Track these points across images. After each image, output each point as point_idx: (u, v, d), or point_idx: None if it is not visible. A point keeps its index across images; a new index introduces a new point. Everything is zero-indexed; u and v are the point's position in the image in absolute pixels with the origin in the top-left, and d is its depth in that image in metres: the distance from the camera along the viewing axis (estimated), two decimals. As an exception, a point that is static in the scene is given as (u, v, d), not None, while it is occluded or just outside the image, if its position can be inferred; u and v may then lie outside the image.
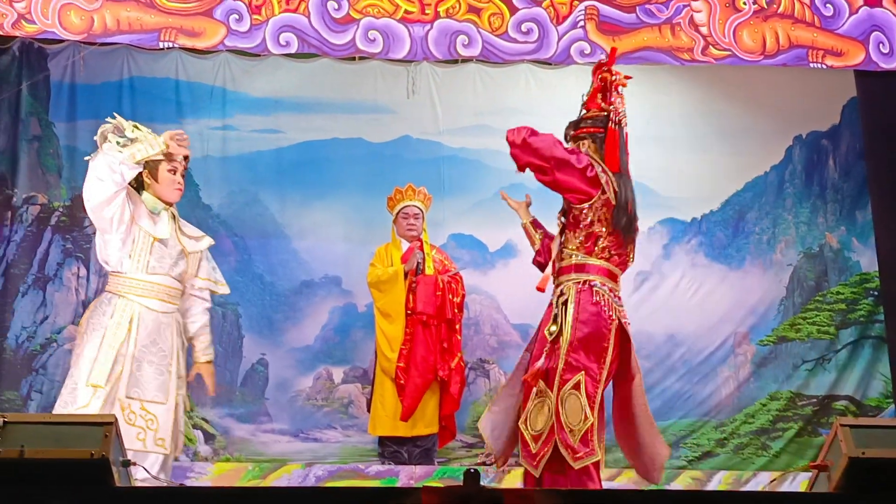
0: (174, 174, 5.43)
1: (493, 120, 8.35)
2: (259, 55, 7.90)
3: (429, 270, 7.10)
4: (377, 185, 7.88)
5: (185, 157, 5.53)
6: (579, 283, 4.76)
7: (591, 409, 4.59)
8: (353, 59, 8.03)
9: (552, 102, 8.33)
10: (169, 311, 5.31)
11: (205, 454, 7.67)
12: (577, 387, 4.60)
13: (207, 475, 7.13)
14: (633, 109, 8.26)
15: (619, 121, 5.08)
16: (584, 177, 4.77)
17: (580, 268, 4.81)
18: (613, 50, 5.57)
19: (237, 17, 6.95)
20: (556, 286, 4.88)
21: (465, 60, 8.05)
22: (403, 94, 8.33)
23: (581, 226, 4.84)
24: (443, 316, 7.02)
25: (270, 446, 7.78)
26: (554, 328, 4.70)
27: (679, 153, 8.36)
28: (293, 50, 7.10)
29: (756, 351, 8.12)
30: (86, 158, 5.27)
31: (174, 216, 5.46)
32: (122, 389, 5.05)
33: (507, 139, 4.92)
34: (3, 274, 7.77)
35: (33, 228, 7.92)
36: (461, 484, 2.98)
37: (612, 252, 4.83)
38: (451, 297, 7.07)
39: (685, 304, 8.14)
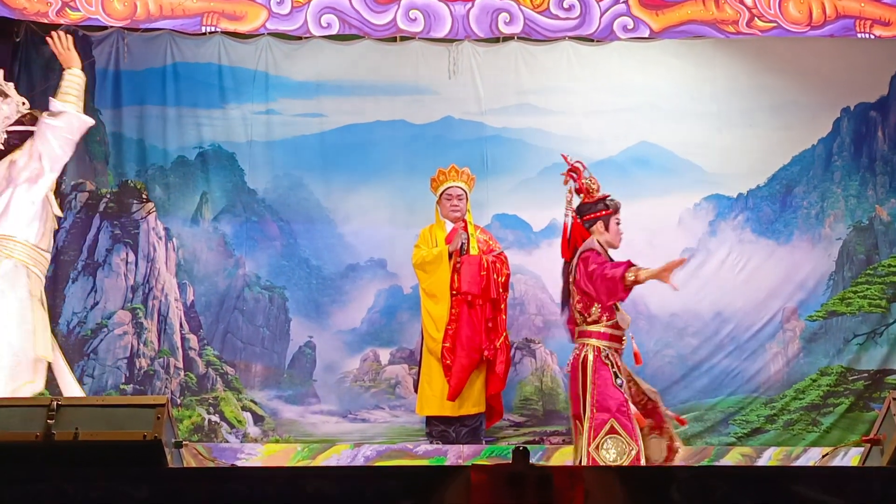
0: None
1: (535, 98, 8.31)
2: (300, 38, 7.91)
3: (473, 251, 7.09)
4: (420, 167, 7.88)
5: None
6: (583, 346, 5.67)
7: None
8: (394, 39, 8.01)
9: (595, 79, 8.30)
10: (43, 275, 5.35)
11: (254, 436, 7.74)
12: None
13: (257, 456, 7.20)
14: (676, 85, 8.29)
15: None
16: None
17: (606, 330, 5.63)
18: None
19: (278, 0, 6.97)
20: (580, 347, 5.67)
21: (507, 38, 8.01)
22: (445, 74, 8.29)
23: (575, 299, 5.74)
24: (488, 295, 7.02)
25: (319, 427, 7.83)
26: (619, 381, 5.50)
27: (724, 128, 8.26)
28: (334, 31, 7.10)
29: (805, 326, 8.03)
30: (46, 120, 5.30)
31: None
32: None
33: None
34: (54, 260, 7.83)
35: (82, 215, 8.00)
36: (510, 462, 2.97)
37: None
38: (495, 276, 7.06)
39: (732, 280, 8.05)
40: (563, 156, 6.14)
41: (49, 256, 5.44)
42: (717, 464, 7.11)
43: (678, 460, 5.65)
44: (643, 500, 2.95)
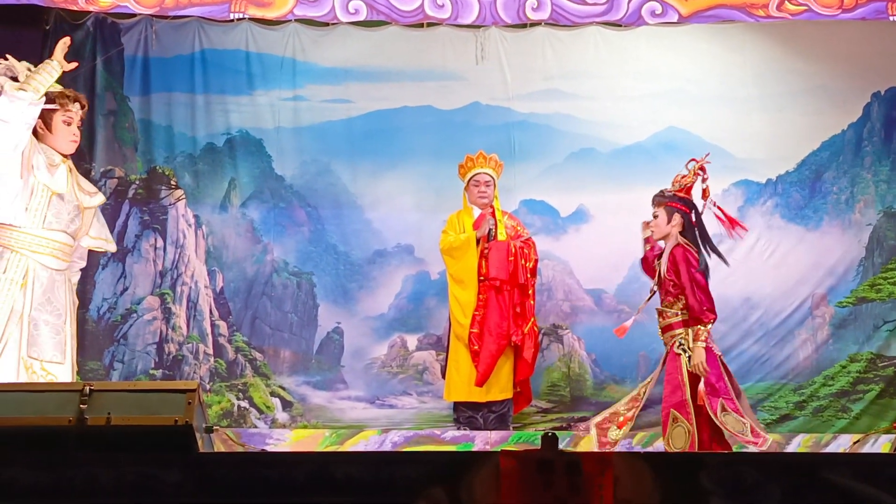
0: (69, 125, 5.20)
1: (562, 84, 8.28)
2: (328, 24, 7.91)
3: (501, 236, 7.09)
4: (447, 153, 7.87)
5: (83, 107, 5.31)
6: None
7: (744, 417, 5.73)
8: (421, 25, 8.00)
9: (623, 65, 8.25)
10: (62, 268, 5.14)
11: (283, 421, 7.78)
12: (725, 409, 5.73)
13: (286, 442, 7.24)
14: (705, 69, 8.24)
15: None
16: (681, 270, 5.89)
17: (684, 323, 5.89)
18: (707, 154, 6.20)
19: (306, -14, 6.98)
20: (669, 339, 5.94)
21: (534, 24, 7.98)
22: (472, 59, 8.28)
23: (679, 298, 5.90)
24: (515, 281, 7.02)
25: (347, 413, 7.86)
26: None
27: (753, 113, 8.21)
28: (362, 17, 7.12)
29: (834, 312, 7.98)
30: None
31: (71, 169, 5.26)
32: (24, 349, 4.89)
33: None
34: (84, 246, 7.92)
35: (111, 201, 8.05)
36: (539, 448, 2.98)
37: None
38: (523, 262, 7.06)
39: (761, 266, 8.01)
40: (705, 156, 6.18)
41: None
42: (745, 450, 7.09)
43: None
44: (673, 486, 2.95)
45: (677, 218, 5.98)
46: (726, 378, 5.82)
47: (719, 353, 5.92)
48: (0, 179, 4.92)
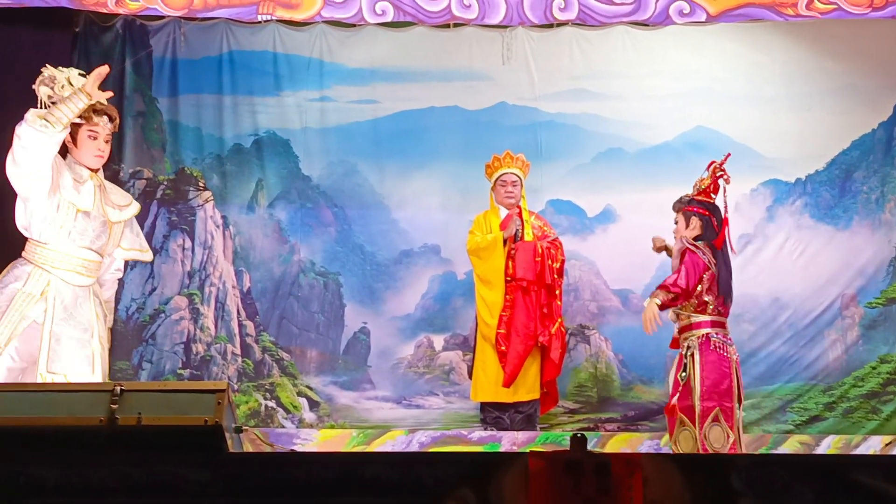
0: (94, 139, 5.10)
1: (589, 84, 8.26)
2: (355, 25, 7.93)
3: (528, 237, 7.08)
4: (474, 153, 7.87)
5: (113, 120, 5.19)
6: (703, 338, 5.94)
7: (732, 430, 5.82)
8: (448, 26, 8.00)
9: (650, 64, 8.23)
10: (86, 284, 5.08)
11: (310, 421, 7.80)
12: (716, 419, 5.81)
13: (313, 442, 7.26)
14: (733, 69, 8.20)
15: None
16: (701, 277, 5.93)
17: (713, 323, 5.99)
18: (728, 155, 6.21)
19: (333, -13, 6.99)
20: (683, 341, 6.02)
21: (561, 24, 7.96)
22: (498, 60, 8.27)
23: (693, 297, 5.95)
24: (542, 281, 7.00)
25: (374, 413, 7.87)
26: (684, 375, 5.89)
27: (781, 112, 8.16)
28: (389, 19, 7.12)
29: (864, 313, 7.91)
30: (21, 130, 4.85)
31: (100, 184, 5.20)
32: (43, 364, 4.83)
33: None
34: (113, 248, 7.97)
35: (139, 202, 8.07)
36: (568, 449, 2.97)
37: (719, 308, 6.00)
38: (550, 262, 7.05)
39: (790, 266, 7.96)
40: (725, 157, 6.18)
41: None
42: (774, 452, 7.05)
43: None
44: (702, 488, 2.93)
45: (695, 221, 6.04)
46: (736, 383, 5.89)
47: (736, 356, 5.98)
48: (26, 198, 4.91)
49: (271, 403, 7.84)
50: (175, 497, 2.88)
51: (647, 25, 7.86)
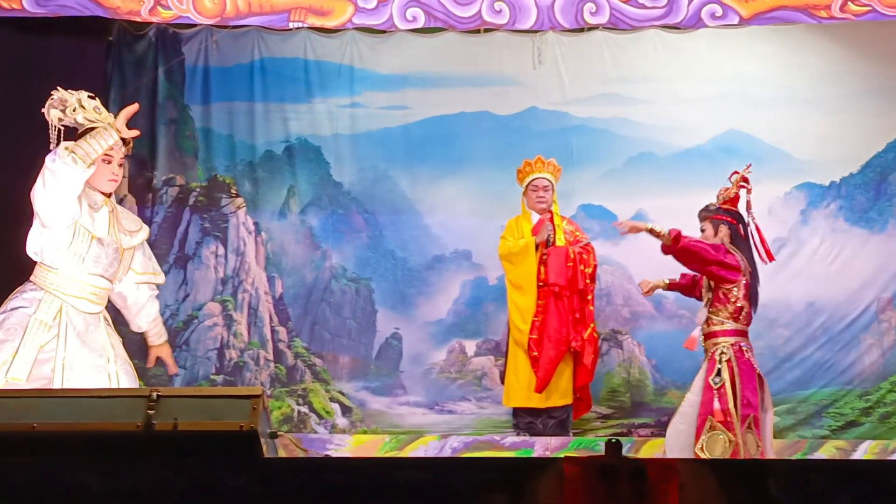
0: (109, 163, 4.93)
1: (621, 88, 8.24)
2: (385, 31, 7.95)
3: (559, 242, 7.07)
4: (505, 158, 7.87)
5: (126, 142, 5.01)
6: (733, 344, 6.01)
7: (761, 439, 5.95)
8: (478, 31, 8.00)
9: (682, 68, 8.20)
10: (96, 311, 4.96)
11: (342, 426, 7.82)
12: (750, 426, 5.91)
13: (346, 447, 7.28)
14: (767, 72, 8.15)
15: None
16: (731, 267, 5.98)
17: (737, 332, 6.06)
18: (749, 166, 6.31)
19: (365, -6, 7.01)
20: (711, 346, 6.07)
21: (592, 28, 7.94)
22: (529, 64, 8.26)
23: (730, 300, 6.01)
24: (574, 286, 7.00)
25: (406, 418, 7.88)
26: (718, 380, 5.91)
27: (815, 115, 8.10)
28: (420, 25, 7.14)
29: (901, 317, 7.85)
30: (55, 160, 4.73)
31: (113, 210, 5.06)
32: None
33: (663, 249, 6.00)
34: (147, 254, 8.02)
35: (173, 209, 8.16)
36: (602, 454, 2.95)
37: (748, 317, 6.09)
38: (582, 267, 7.04)
39: (825, 270, 7.89)
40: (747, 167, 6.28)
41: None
42: (810, 457, 6.99)
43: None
44: (739, 494, 2.91)
45: (724, 229, 6.10)
46: (760, 393, 5.98)
47: (758, 370, 6.05)
48: (49, 227, 4.79)
49: (304, 409, 7.86)
50: (211, 502, 2.89)
51: (679, 29, 7.83)
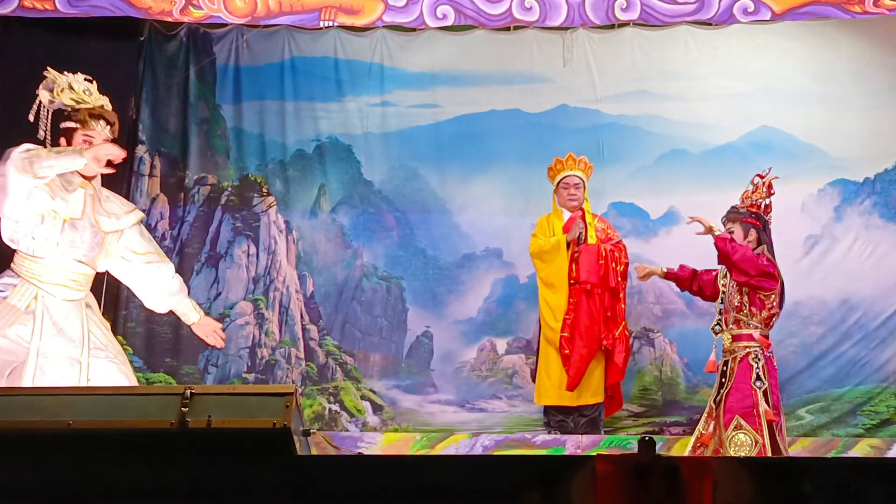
0: (90, 145, 4.80)
1: (651, 85, 8.20)
2: (415, 30, 7.95)
3: (591, 240, 7.05)
4: (536, 156, 7.86)
5: (111, 124, 4.91)
6: (763, 348, 6.08)
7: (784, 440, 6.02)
8: (508, 29, 7.99)
9: (713, 64, 8.15)
10: (77, 298, 4.85)
11: (373, 425, 7.83)
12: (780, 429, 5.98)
13: (377, 445, 7.28)
14: (798, 67, 8.09)
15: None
16: (772, 276, 6.07)
17: (766, 337, 6.13)
18: (769, 169, 6.36)
19: (395, -8, 7.02)
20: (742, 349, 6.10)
21: (622, 25, 7.91)
22: (559, 62, 8.24)
23: (766, 307, 6.09)
24: (606, 284, 6.97)
25: (437, 416, 7.88)
26: (761, 383, 5.95)
27: (849, 111, 8.03)
28: (450, 22, 7.14)
29: (938, 314, 7.76)
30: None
31: (94, 193, 4.92)
32: (28, 381, 4.58)
33: (718, 247, 6.02)
34: (179, 253, 8.07)
35: (204, 208, 8.19)
36: (635, 452, 2.94)
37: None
38: (614, 265, 7.02)
39: (859, 267, 7.81)
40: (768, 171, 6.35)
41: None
42: (844, 455, 6.93)
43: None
44: (774, 492, 2.89)
45: (753, 233, 6.16)
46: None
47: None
48: (16, 221, 4.72)
49: (335, 407, 7.88)
50: (245, 499, 2.91)
51: (710, 25, 7.79)
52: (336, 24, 7.37)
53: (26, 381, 4.59)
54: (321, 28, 7.79)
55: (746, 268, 5.95)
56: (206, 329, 5.38)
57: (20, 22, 7.25)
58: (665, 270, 6.62)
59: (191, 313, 5.34)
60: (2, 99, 7.03)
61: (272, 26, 7.97)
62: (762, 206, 6.24)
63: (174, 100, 8.24)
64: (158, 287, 5.22)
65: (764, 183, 6.24)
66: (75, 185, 4.82)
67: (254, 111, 8.29)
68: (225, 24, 7.93)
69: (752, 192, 6.24)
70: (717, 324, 6.21)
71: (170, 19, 7.47)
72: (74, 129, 4.88)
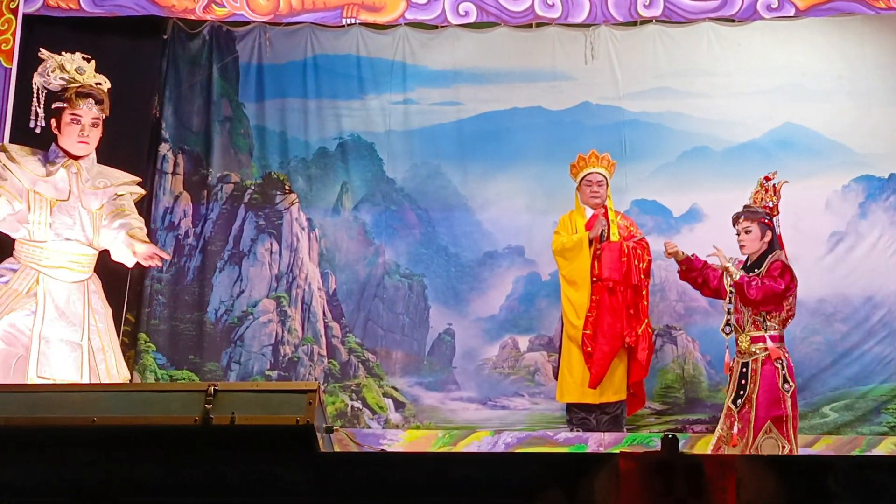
0: (77, 123, 4.81)
1: (674, 81, 8.17)
2: (437, 27, 7.96)
3: (614, 237, 7.04)
4: (558, 154, 7.84)
5: (99, 102, 4.85)
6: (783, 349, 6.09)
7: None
8: (531, 26, 7.98)
9: (736, 60, 8.11)
10: (80, 279, 4.84)
11: (396, 422, 7.83)
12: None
13: (399, 442, 7.30)
14: (822, 63, 8.04)
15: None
16: (794, 284, 6.13)
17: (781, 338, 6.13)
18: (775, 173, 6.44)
19: (417, -11, 7.02)
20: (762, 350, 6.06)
21: (645, 22, 7.88)
22: (581, 59, 8.22)
23: (784, 308, 6.12)
24: (629, 282, 6.96)
25: (459, 414, 7.87)
26: (789, 386, 5.97)
27: (873, 107, 7.97)
28: (472, 20, 7.14)
29: (964, 311, 7.69)
30: None
31: (79, 172, 4.89)
32: (33, 369, 4.60)
33: (749, 297, 6.03)
34: (202, 251, 8.11)
35: (227, 206, 8.22)
36: (659, 450, 2.94)
37: None
38: (636, 262, 7.00)
39: (884, 263, 7.74)
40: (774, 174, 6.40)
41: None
42: (868, 454, 6.90)
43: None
44: (797, 490, 2.88)
45: (769, 234, 6.18)
46: None
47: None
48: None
49: (357, 404, 7.89)
50: (268, 496, 2.92)
51: (734, 21, 7.75)
52: (358, 21, 7.38)
53: (31, 370, 4.60)
54: (343, 26, 7.80)
55: (765, 303, 6.02)
56: (149, 252, 4.99)
57: (45, 21, 7.29)
58: (684, 256, 6.53)
59: (138, 245, 5.00)
60: (27, 98, 7.07)
61: (295, 24, 7.99)
62: (770, 207, 6.28)
63: (197, 98, 8.27)
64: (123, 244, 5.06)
65: (774, 186, 6.28)
66: (58, 165, 4.82)
67: (276, 109, 8.31)
68: (248, 22, 7.95)
69: (764, 194, 6.28)
70: (727, 324, 6.18)
71: (193, 17, 7.50)
72: (62, 109, 4.87)
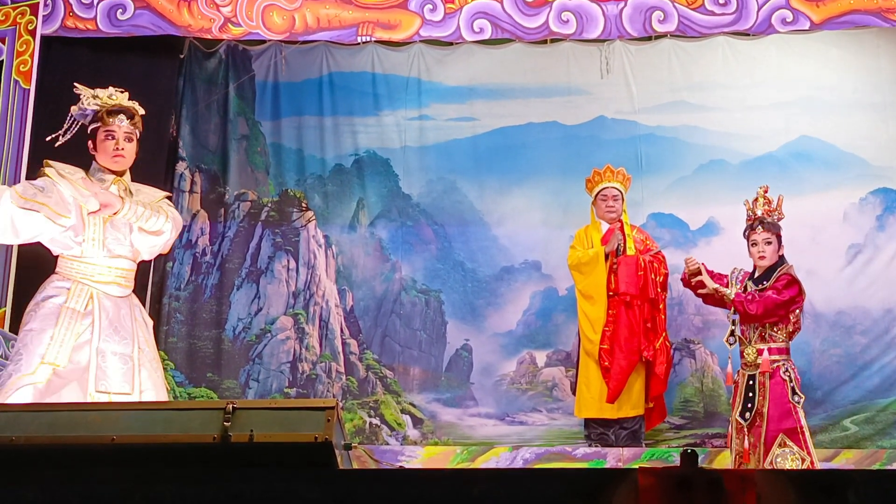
0: (112, 139, 4.88)
1: (689, 95, 8.18)
2: (452, 44, 7.98)
3: (630, 251, 7.03)
4: (574, 168, 7.85)
5: (131, 118, 4.92)
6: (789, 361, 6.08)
7: None
8: (545, 42, 8.00)
9: (751, 74, 8.11)
10: (125, 294, 4.92)
11: (414, 438, 7.83)
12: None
13: (417, 458, 7.28)
14: (838, 76, 8.03)
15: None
16: (802, 297, 6.15)
17: (787, 350, 6.12)
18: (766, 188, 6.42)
19: (431, 7, 7.06)
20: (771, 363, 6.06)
21: (660, 36, 7.89)
22: (597, 74, 8.23)
23: (790, 321, 6.10)
24: (646, 296, 6.95)
25: (477, 430, 7.86)
26: (797, 398, 5.95)
27: (889, 119, 7.96)
28: (487, 36, 7.16)
29: (984, 323, 7.64)
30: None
31: (126, 188, 4.96)
32: (92, 384, 4.66)
33: (750, 313, 6.04)
34: (220, 268, 8.14)
35: (245, 224, 8.25)
36: (678, 465, 2.92)
37: None
38: (653, 276, 6.99)
39: (904, 276, 7.74)
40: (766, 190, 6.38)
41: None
42: (889, 468, 6.85)
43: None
44: (818, 505, 2.86)
45: (782, 248, 6.21)
46: None
47: None
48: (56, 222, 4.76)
49: (375, 421, 7.89)
50: (287, 513, 2.92)
51: (748, 35, 7.75)
52: (373, 39, 7.41)
53: (90, 385, 4.66)
54: (359, 43, 7.84)
55: (767, 316, 6.02)
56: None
57: (63, 41, 7.35)
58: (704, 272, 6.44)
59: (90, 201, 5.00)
60: (46, 119, 7.13)
61: (310, 42, 8.03)
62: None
63: (214, 116, 8.32)
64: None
65: (776, 199, 6.27)
66: (108, 182, 4.90)
67: (292, 127, 8.35)
68: (263, 41, 8.00)
69: (768, 206, 6.26)
70: (731, 334, 6.18)
71: (209, 37, 7.56)
72: (97, 129, 4.94)
